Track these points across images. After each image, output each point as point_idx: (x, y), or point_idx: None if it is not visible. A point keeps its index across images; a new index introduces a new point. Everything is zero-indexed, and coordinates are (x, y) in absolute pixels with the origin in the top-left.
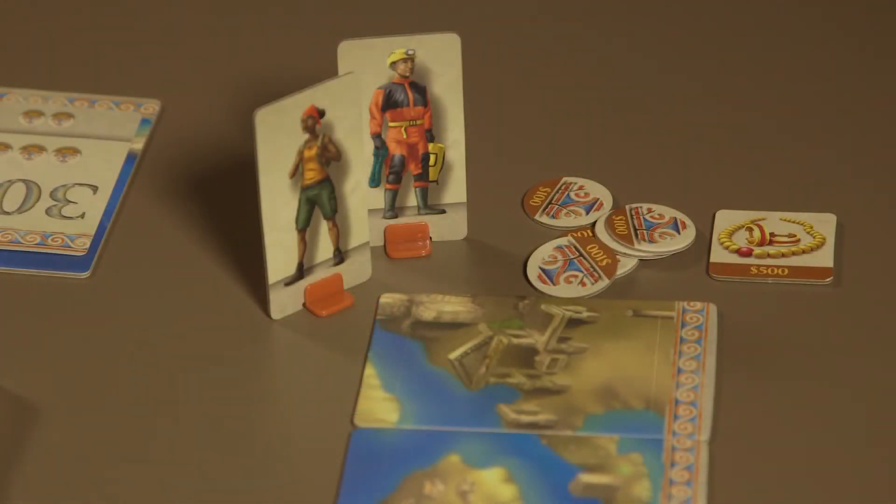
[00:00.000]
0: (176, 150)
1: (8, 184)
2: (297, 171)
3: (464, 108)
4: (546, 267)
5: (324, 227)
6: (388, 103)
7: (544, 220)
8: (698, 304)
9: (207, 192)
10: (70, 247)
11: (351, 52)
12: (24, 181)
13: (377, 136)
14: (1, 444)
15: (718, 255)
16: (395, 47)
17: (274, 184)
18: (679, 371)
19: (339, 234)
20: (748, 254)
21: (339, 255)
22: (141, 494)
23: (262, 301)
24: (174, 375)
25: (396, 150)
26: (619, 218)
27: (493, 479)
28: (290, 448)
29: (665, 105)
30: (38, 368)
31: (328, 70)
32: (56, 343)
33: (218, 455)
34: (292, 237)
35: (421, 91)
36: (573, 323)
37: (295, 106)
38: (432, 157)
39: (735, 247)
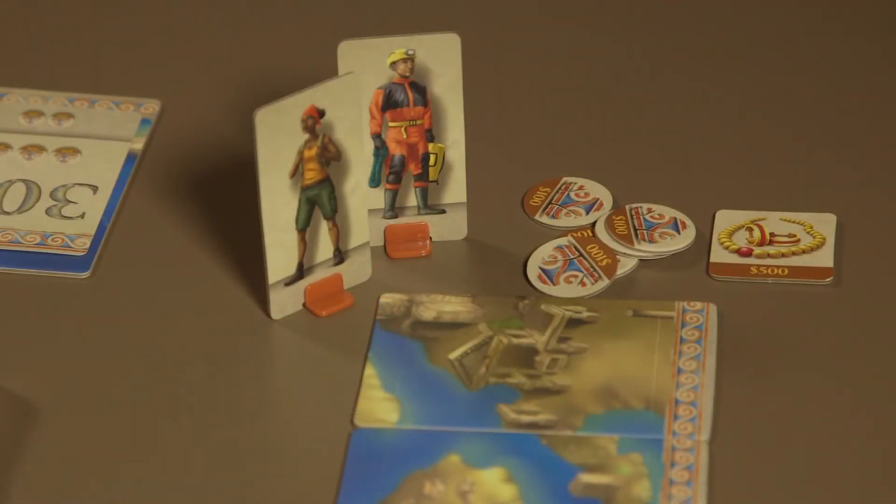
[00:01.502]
0: (176, 150)
1: (8, 184)
2: (297, 171)
3: (464, 108)
4: (546, 267)
5: (324, 227)
6: (388, 103)
7: (544, 220)
8: (698, 304)
9: (207, 192)
10: (70, 247)
11: (351, 52)
12: (24, 181)
13: (377, 136)
14: (1, 444)
15: (718, 255)
16: (395, 47)
17: (274, 184)
18: (679, 371)
19: (339, 234)
20: (748, 254)
21: (339, 255)
22: (141, 494)
23: (262, 301)
24: (174, 375)
25: (396, 150)
26: (619, 218)
27: (493, 479)
28: (290, 448)
29: (665, 105)
30: (38, 368)
31: (328, 70)
32: (56, 343)
33: (218, 455)
34: (292, 237)
35: (421, 91)
36: (573, 323)
37: (295, 106)
38: (432, 157)
39: (735, 247)
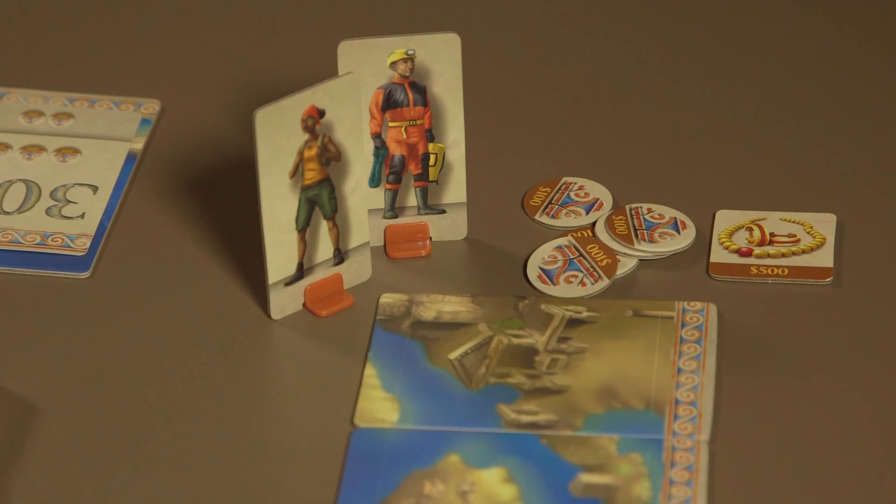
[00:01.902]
0: (176, 150)
1: (8, 184)
2: (297, 171)
3: (464, 108)
4: (546, 267)
5: (324, 227)
6: (388, 103)
7: (544, 220)
8: (698, 304)
9: (207, 192)
10: (70, 247)
11: (351, 52)
12: (24, 181)
13: (377, 136)
14: (1, 444)
15: (718, 255)
16: (395, 47)
17: (274, 184)
18: (679, 371)
19: (339, 234)
20: (748, 254)
21: (339, 255)
22: (140, 494)
23: (262, 301)
24: (174, 375)
25: (396, 150)
26: (619, 218)
27: (493, 479)
28: (290, 448)
29: (665, 105)
30: (38, 368)
31: (328, 70)
32: (56, 343)
33: (218, 455)
34: (292, 237)
35: (421, 91)
36: (573, 323)
37: (295, 106)
38: (432, 157)
39: (735, 247)
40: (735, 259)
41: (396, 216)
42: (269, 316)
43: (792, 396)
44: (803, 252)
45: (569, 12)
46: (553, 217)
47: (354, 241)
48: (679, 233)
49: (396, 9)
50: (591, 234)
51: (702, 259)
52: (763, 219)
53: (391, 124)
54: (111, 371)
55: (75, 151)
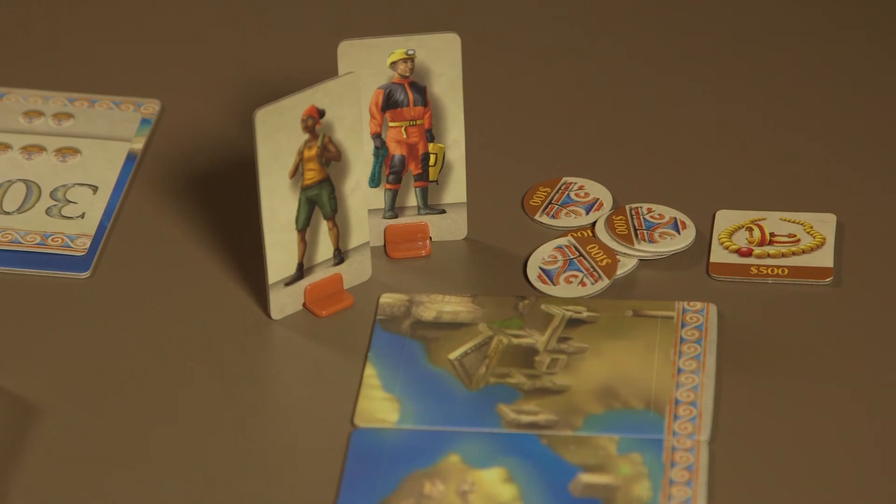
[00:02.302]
0: (176, 150)
1: (8, 184)
2: (297, 171)
3: (464, 108)
4: (546, 267)
5: (324, 227)
6: (388, 103)
7: (544, 220)
8: (698, 304)
9: (207, 192)
10: (70, 247)
11: (351, 52)
12: (24, 181)
13: (377, 136)
14: (1, 444)
15: (718, 255)
16: (395, 47)
17: (274, 184)
18: (679, 371)
19: (339, 234)
20: (748, 254)
21: (339, 255)
22: (140, 494)
23: (262, 301)
24: (174, 376)
25: (396, 150)
26: (619, 218)
27: (493, 479)
28: (290, 448)
29: (665, 105)
30: (38, 368)
31: (328, 70)
32: (56, 343)
33: (218, 455)
34: (292, 237)
35: (421, 91)
36: (573, 323)
37: (295, 106)
38: (432, 157)
39: (735, 247)
40: (735, 259)
41: (396, 216)
42: (269, 316)
43: (792, 396)
44: (803, 252)
45: (568, 12)
46: (553, 217)
47: (354, 241)
48: (679, 233)
49: (396, 9)
50: (591, 234)
51: (702, 259)
52: (763, 219)
53: (391, 124)
54: (111, 371)
55: (75, 151)
